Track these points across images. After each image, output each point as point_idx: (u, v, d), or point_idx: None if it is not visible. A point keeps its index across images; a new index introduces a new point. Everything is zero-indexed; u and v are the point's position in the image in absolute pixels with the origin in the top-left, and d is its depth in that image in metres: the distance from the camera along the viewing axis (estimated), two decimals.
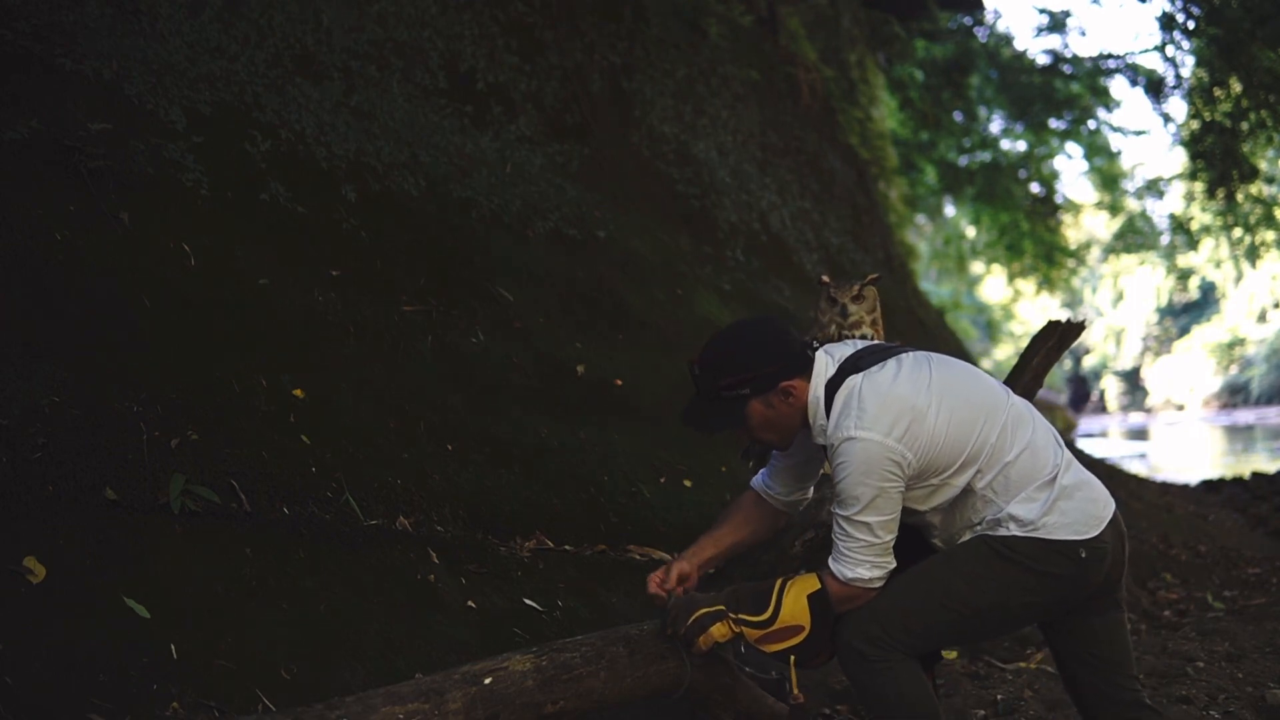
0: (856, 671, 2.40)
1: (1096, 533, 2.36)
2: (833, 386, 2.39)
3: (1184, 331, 43.08)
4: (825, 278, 3.04)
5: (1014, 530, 2.34)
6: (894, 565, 2.37)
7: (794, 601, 2.41)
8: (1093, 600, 2.44)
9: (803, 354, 2.44)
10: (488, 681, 2.32)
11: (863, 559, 2.34)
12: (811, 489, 2.75)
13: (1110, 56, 16.93)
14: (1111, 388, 47.42)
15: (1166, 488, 10.62)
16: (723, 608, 2.45)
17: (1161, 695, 3.41)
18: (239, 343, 3.54)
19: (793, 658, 2.43)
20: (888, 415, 2.29)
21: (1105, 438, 29.22)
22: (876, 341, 2.61)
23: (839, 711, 3.44)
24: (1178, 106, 27.18)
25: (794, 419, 2.45)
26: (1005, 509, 2.35)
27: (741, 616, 2.44)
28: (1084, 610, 2.45)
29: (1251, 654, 3.96)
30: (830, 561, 2.39)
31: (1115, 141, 22.63)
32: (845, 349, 2.49)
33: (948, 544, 2.46)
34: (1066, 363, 42.43)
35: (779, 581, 2.46)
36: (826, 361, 2.45)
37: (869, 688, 2.39)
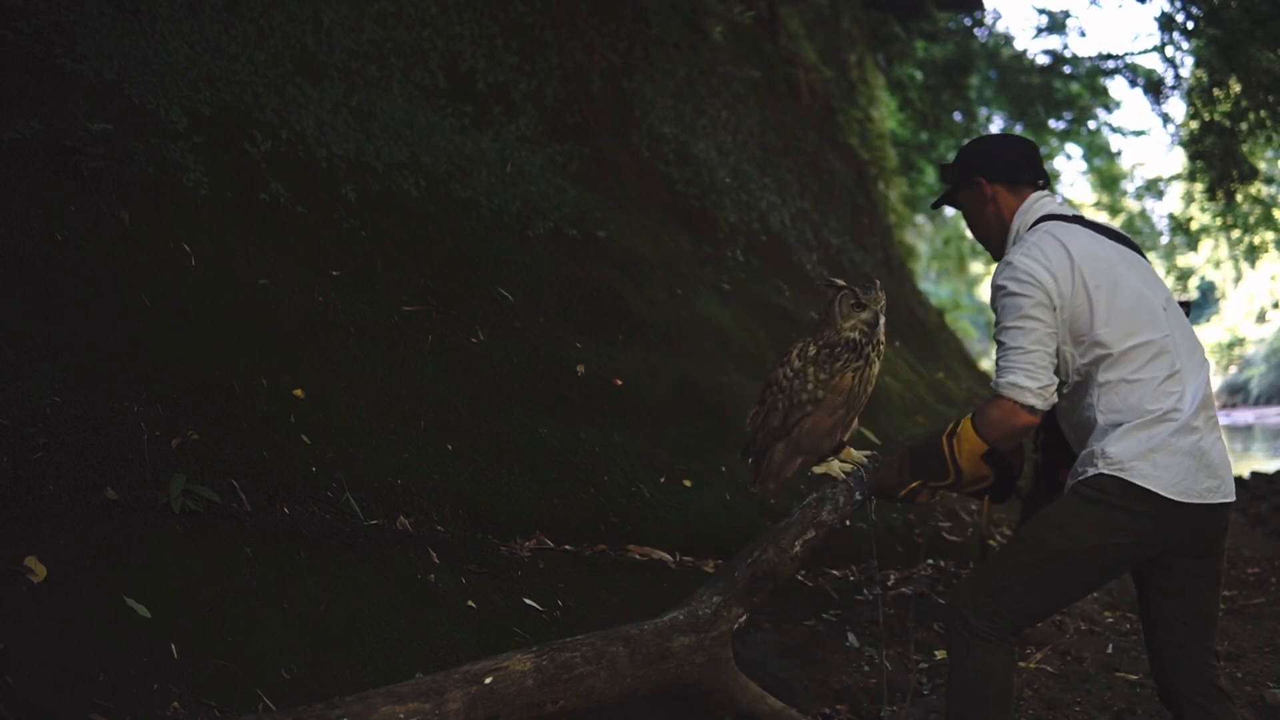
0: (958, 643, 2.43)
1: (1183, 500, 2.36)
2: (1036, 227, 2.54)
3: None
4: (840, 281, 2.99)
5: (1100, 467, 2.39)
6: (1053, 388, 2.42)
7: (969, 462, 2.53)
8: (1191, 557, 2.46)
9: (1012, 171, 2.65)
10: (488, 681, 2.32)
11: (1017, 365, 2.42)
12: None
13: (1110, 57, 16.97)
14: None
15: None
16: (918, 484, 2.60)
17: None
18: (239, 343, 3.53)
19: (986, 498, 2.61)
20: (1054, 254, 2.43)
21: None
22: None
23: (838, 711, 3.44)
24: (1177, 107, 27.23)
25: (991, 223, 2.68)
26: (1102, 442, 2.39)
27: (932, 485, 2.59)
28: (1183, 565, 2.47)
29: (1251, 654, 3.96)
30: (990, 384, 2.50)
31: (1115, 141, 22.72)
32: (1068, 209, 2.64)
33: (1073, 430, 2.55)
34: None
35: (944, 444, 2.56)
36: (1041, 203, 2.62)
37: (965, 662, 2.41)
